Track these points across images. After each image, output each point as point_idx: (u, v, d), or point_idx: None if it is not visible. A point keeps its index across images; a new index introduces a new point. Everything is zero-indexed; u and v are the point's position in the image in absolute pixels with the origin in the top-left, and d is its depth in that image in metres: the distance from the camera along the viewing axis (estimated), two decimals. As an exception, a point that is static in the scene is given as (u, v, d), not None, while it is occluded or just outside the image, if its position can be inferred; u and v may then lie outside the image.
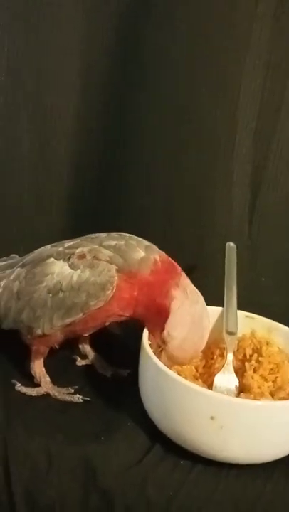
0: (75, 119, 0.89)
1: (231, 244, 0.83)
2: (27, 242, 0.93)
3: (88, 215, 0.94)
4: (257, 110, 0.83)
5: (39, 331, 0.72)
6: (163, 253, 0.72)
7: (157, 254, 0.71)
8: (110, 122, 0.89)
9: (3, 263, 0.79)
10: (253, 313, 0.79)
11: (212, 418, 0.62)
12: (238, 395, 0.70)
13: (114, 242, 0.72)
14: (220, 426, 0.62)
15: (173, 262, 0.72)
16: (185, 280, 0.71)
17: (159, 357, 0.69)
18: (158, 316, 0.69)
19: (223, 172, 0.85)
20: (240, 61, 0.81)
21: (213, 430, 0.62)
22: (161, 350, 0.70)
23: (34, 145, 0.90)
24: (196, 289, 0.71)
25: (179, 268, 0.72)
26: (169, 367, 0.68)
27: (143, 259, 0.70)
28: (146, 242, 0.73)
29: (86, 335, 0.78)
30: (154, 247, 0.73)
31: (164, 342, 0.69)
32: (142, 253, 0.71)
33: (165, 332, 0.68)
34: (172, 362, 0.69)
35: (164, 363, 0.69)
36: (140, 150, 0.88)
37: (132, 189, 0.91)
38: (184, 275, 0.71)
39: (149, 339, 0.70)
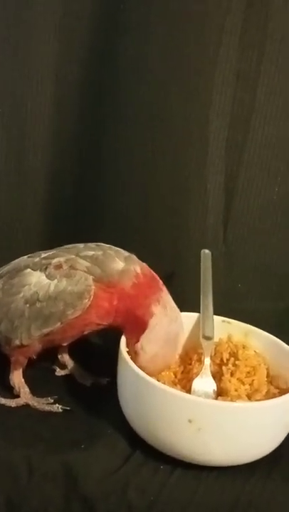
0: (51, 130, 0.90)
1: (206, 251, 0.84)
2: (4, 254, 0.93)
3: (66, 225, 0.94)
4: (228, 119, 0.85)
5: (17, 342, 0.72)
6: (144, 265, 0.73)
7: (138, 266, 0.72)
8: (85, 132, 0.90)
9: (-19, 275, 0.80)
10: (230, 319, 0.80)
11: (190, 421, 0.63)
12: (216, 399, 0.71)
13: (91, 253, 0.72)
14: (198, 428, 0.63)
15: (154, 275, 0.73)
16: (166, 296, 0.72)
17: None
18: (135, 327, 0.70)
19: (197, 180, 0.86)
20: (211, 72, 0.82)
21: (191, 433, 0.63)
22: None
23: (10, 158, 0.91)
24: (176, 308, 0.73)
25: (160, 282, 0.73)
26: None
27: (124, 270, 0.71)
28: (126, 253, 0.74)
29: (65, 344, 0.79)
30: (134, 257, 0.74)
31: (135, 353, 0.70)
32: (121, 264, 0.71)
33: (139, 345, 0.70)
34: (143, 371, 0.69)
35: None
36: (116, 159, 0.89)
37: (109, 198, 0.92)
38: (165, 290, 0.72)
39: (126, 346, 0.71)
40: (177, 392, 0.64)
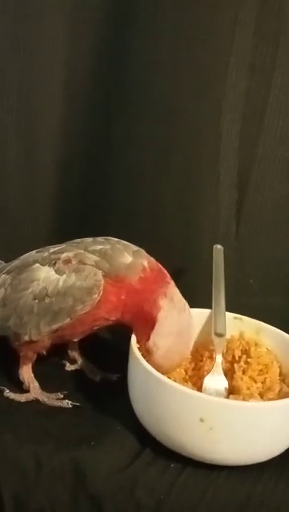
0: (60, 124, 0.89)
1: (218, 246, 0.83)
2: (14, 248, 0.93)
3: (75, 219, 0.94)
4: (241, 113, 0.83)
5: (26, 337, 0.71)
6: (152, 259, 0.72)
7: (146, 260, 0.71)
8: (96, 127, 0.89)
9: (-11, 270, 0.79)
10: (242, 314, 0.79)
11: (201, 420, 0.62)
12: (227, 397, 0.70)
13: (99, 247, 0.71)
14: (209, 428, 0.62)
15: (162, 268, 0.72)
16: (173, 289, 0.71)
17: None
18: (144, 324, 0.69)
19: (210, 174, 0.85)
20: (224, 65, 0.81)
21: (202, 432, 0.62)
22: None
23: (20, 152, 0.90)
24: (182, 298, 0.71)
25: (167, 275, 0.72)
26: None
27: (131, 264, 0.70)
28: (135, 247, 0.73)
29: (75, 340, 0.78)
30: (143, 252, 0.73)
31: (148, 351, 0.69)
32: (129, 258, 0.70)
33: (150, 342, 0.68)
34: (157, 371, 0.68)
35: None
36: (126, 154, 0.88)
37: (119, 192, 0.91)
38: (172, 283, 0.71)
39: (137, 342, 0.70)
40: (190, 391, 0.63)
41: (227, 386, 0.71)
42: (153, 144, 0.87)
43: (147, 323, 0.69)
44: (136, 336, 0.70)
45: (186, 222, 0.88)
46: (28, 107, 0.88)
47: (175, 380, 0.70)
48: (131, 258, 0.70)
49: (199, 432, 0.62)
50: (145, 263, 0.70)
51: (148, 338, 0.68)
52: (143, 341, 0.69)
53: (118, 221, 0.91)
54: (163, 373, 0.66)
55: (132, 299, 0.69)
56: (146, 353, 0.69)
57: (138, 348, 0.69)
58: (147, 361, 0.67)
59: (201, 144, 0.85)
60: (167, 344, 0.68)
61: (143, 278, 0.69)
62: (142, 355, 0.68)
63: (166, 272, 0.72)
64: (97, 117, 0.89)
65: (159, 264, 0.72)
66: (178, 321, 0.69)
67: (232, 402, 0.65)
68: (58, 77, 0.87)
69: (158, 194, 0.89)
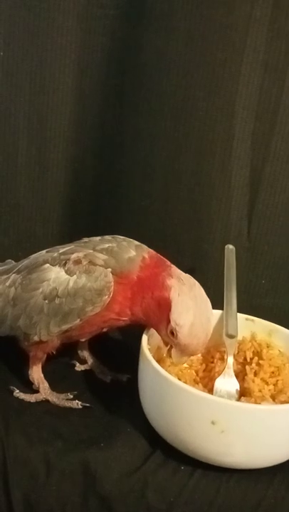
0: (72, 120, 0.89)
1: (230, 246, 0.83)
2: (24, 246, 0.93)
3: (86, 218, 0.93)
4: (254, 112, 0.83)
5: (36, 338, 0.71)
6: (151, 250, 0.72)
7: (146, 252, 0.71)
8: (107, 124, 0.88)
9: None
10: (253, 315, 0.78)
11: (213, 423, 0.61)
12: (239, 399, 0.69)
13: (107, 245, 0.71)
14: (221, 430, 0.61)
15: (161, 256, 0.72)
16: (176, 270, 0.70)
17: (165, 362, 0.70)
18: (159, 309, 0.68)
19: (222, 174, 0.84)
20: (237, 63, 0.80)
21: (214, 435, 0.62)
22: (170, 348, 0.69)
23: (31, 149, 0.90)
24: (189, 275, 0.70)
25: (167, 261, 0.72)
26: (182, 363, 0.69)
27: (132, 258, 0.70)
28: (137, 242, 0.73)
29: (83, 340, 0.77)
30: (144, 246, 0.73)
31: (172, 334, 0.67)
32: (132, 253, 0.71)
33: (172, 323, 0.67)
34: (186, 353, 0.67)
35: (177, 360, 0.69)
36: (137, 152, 0.88)
37: (130, 191, 0.90)
38: (173, 266, 0.71)
39: (148, 343, 0.69)
40: (201, 393, 0.63)
41: (238, 388, 0.70)
42: (164, 141, 0.86)
43: (161, 307, 0.68)
44: (153, 326, 0.69)
45: (198, 222, 0.87)
46: (39, 104, 0.87)
47: (186, 382, 0.69)
48: (134, 253, 0.71)
49: (210, 434, 0.62)
50: (145, 254, 0.71)
51: (168, 323, 0.67)
52: (163, 327, 0.68)
53: (129, 219, 0.91)
54: (190, 355, 0.67)
55: (139, 290, 0.69)
56: (170, 338, 0.68)
57: (149, 348, 0.68)
58: (172, 350, 0.67)
59: (213, 142, 0.84)
60: (189, 319, 0.67)
61: (143, 266, 0.69)
62: (165, 343, 0.68)
63: (165, 258, 0.72)
64: (109, 114, 0.88)
65: (158, 254, 0.72)
66: (192, 296, 0.68)
67: (244, 405, 0.64)
68: (69, 74, 0.86)
69: (169, 193, 0.88)
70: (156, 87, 0.84)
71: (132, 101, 0.86)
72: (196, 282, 0.70)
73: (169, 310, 0.67)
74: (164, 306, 0.67)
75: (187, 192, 0.87)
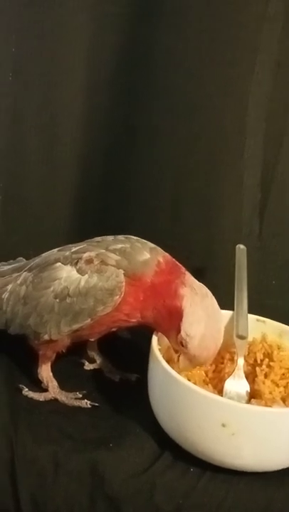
0: (82, 118, 0.88)
1: (241, 246, 0.82)
2: (33, 243, 0.92)
3: (95, 216, 0.93)
4: (267, 110, 0.82)
5: (46, 337, 0.71)
6: (167, 254, 0.71)
7: (161, 256, 0.70)
8: (118, 122, 0.88)
9: (10, 266, 0.78)
10: (263, 316, 0.77)
11: (223, 425, 0.60)
12: (249, 401, 0.69)
13: (120, 246, 0.71)
14: (231, 433, 0.61)
15: (176, 261, 0.71)
16: (190, 278, 0.70)
17: (174, 362, 0.69)
18: (170, 318, 0.67)
19: (233, 173, 0.84)
20: (250, 61, 0.79)
21: (224, 437, 0.61)
22: (179, 355, 0.69)
23: (40, 146, 0.89)
24: (202, 284, 0.70)
25: (182, 267, 0.71)
26: (189, 371, 0.68)
27: (147, 260, 0.69)
28: (151, 245, 0.72)
29: (92, 340, 0.77)
30: (159, 249, 0.72)
31: (182, 344, 0.67)
32: (147, 255, 0.70)
33: (182, 333, 0.66)
34: (194, 364, 0.67)
35: (185, 368, 0.68)
36: (148, 150, 0.87)
37: (140, 190, 0.90)
38: (187, 273, 0.70)
39: (158, 343, 0.69)
40: (212, 395, 0.62)
41: (248, 390, 0.70)
42: (175, 140, 0.85)
43: (172, 317, 0.67)
44: (163, 332, 0.69)
45: (208, 221, 0.87)
46: (49, 101, 0.87)
47: (195, 383, 0.69)
48: (148, 255, 0.70)
49: (221, 437, 0.61)
50: (160, 258, 0.70)
51: (178, 332, 0.67)
52: (172, 337, 0.68)
53: (139, 218, 0.90)
54: (199, 365, 0.66)
55: (151, 295, 0.68)
56: (179, 348, 0.67)
57: (159, 349, 0.68)
58: (180, 358, 0.66)
59: (225, 141, 0.83)
60: (200, 331, 0.66)
61: (158, 272, 0.69)
62: (174, 350, 0.67)
63: (180, 264, 0.71)
64: (119, 112, 0.87)
65: (173, 259, 0.71)
66: (204, 307, 0.67)
67: (255, 408, 0.63)
68: (79, 71, 0.86)
69: (179, 191, 0.88)
70: (167, 86, 0.83)
71: (143, 99, 0.86)
72: (209, 292, 0.69)
73: (180, 320, 0.67)
74: (176, 315, 0.67)
75: (198, 191, 0.86)
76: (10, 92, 0.87)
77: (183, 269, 0.71)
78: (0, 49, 0.85)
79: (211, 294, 0.69)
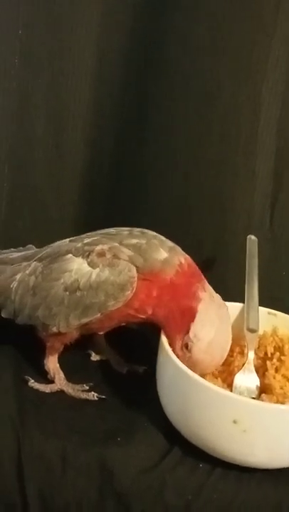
0: (91, 103, 0.86)
1: (253, 237, 0.80)
2: (40, 230, 0.91)
3: (102, 204, 0.91)
4: (281, 99, 0.80)
5: (55, 329, 0.69)
6: (188, 256, 0.70)
7: (182, 257, 0.69)
8: (128, 109, 0.86)
9: (20, 253, 0.76)
10: (273, 308, 0.76)
11: (235, 422, 0.59)
12: (259, 396, 0.68)
13: (134, 241, 0.69)
14: (243, 430, 0.60)
15: (196, 266, 0.70)
16: (209, 286, 0.69)
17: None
18: (181, 318, 0.66)
19: (246, 162, 0.82)
20: (266, 46, 0.77)
21: (235, 434, 0.60)
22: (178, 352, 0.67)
23: (49, 131, 0.87)
24: (219, 296, 0.69)
25: (201, 274, 0.70)
26: None
27: (167, 260, 0.68)
28: (171, 243, 0.70)
29: (101, 333, 0.76)
30: (179, 248, 0.70)
31: (187, 346, 0.66)
32: (164, 254, 0.68)
33: (191, 333, 0.65)
34: (195, 369, 0.65)
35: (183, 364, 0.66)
36: (159, 138, 0.85)
37: (149, 178, 0.88)
38: (206, 281, 0.69)
39: (170, 339, 0.67)
40: (224, 391, 0.61)
41: (259, 384, 0.69)
42: (187, 127, 0.83)
43: (184, 317, 0.66)
44: (169, 333, 0.67)
45: (219, 211, 0.85)
46: (58, 86, 0.85)
47: (204, 376, 0.67)
48: (166, 254, 0.68)
49: (232, 434, 0.60)
50: (182, 259, 0.68)
51: (186, 332, 0.65)
52: (178, 338, 0.66)
53: (147, 206, 0.88)
54: (199, 373, 0.63)
55: (168, 294, 0.67)
56: (182, 352, 0.66)
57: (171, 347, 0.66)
58: (183, 360, 0.64)
59: (238, 129, 0.81)
60: (209, 336, 0.65)
61: (180, 272, 0.67)
62: (177, 355, 0.65)
63: (199, 270, 0.70)
64: (130, 98, 0.85)
65: (193, 262, 0.70)
66: (219, 315, 0.67)
67: (268, 405, 0.62)
68: (89, 56, 0.84)
69: (190, 180, 0.86)
70: (180, 71, 0.81)
71: (154, 85, 0.83)
72: (225, 305, 0.69)
73: (192, 320, 0.65)
74: (188, 316, 0.66)
75: (209, 180, 0.84)
76: (16, 76, 0.85)
77: (202, 275, 0.69)
78: (7, 31, 0.82)
79: (227, 307, 0.69)
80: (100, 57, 0.84)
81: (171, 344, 0.66)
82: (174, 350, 0.66)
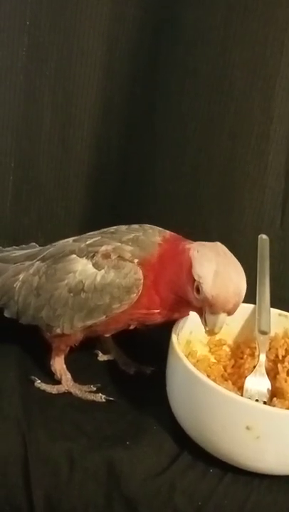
0: (99, 97, 0.84)
1: (264, 236, 0.79)
2: (45, 226, 0.89)
3: (110, 200, 0.90)
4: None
5: (58, 330, 0.68)
6: (172, 233, 0.69)
7: (167, 233, 0.68)
8: (137, 103, 0.84)
9: (23, 252, 0.75)
10: (284, 309, 0.74)
11: (248, 428, 0.58)
12: (270, 399, 0.66)
13: (132, 235, 0.68)
14: (256, 436, 0.58)
15: (181, 236, 0.68)
16: (198, 242, 0.66)
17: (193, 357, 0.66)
18: (182, 272, 0.63)
19: (257, 159, 0.80)
20: (280, 41, 0.76)
21: (248, 440, 0.58)
22: (205, 317, 0.63)
23: (55, 125, 0.86)
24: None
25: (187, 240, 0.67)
26: (217, 331, 0.62)
27: (152, 241, 0.67)
28: (160, 228, 0.69)
29: (107, 335, 0.74)
30: (167, 231, 0.69)
31: (198, 291, 0.61)
32: (156, 238, 0.67)
33: (195, 277, 0.61)
34: (216, 310, 0.60)
35: (212, 326, 0.62)
36: (168, 133, 0.84)
37: (157, 174, 0.86)
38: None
39: (178, 339, 0.66)
40: (237, 397, 0.60)
41: (270, 388, 0.67)
42: (198, 122, 0.82)
43: (183, 269, 0.63)
44: (185, 298, 0.64)
45: (229, 209, 0.84)
46: (65, 78, 0.83)
47: (214, 379, 0.67)
48: (158, 237, 0.67)
49: (245, 440, 0.59)
50: (166, 235, 0.68)
51: (193, 282, 0.62)
52: (191, 292, 0.62)
53: (155, 203, 0.87)
54: (222, 311, 0.60)
55: (161, 266, 0.65)
56: (198, 300, 0.62)
57: (179, 343, 0.65)
58: (202, 306, 0.61)
59: (250, 124, 0.80)
60: (211, 268, 0.61)
61: (162, 244, 0.66)
62: (198, 312, 0.63)
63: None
64: (139, 92, 0.84)
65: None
66: (213, 250, 0.63)
67: (282, 411, 0.61)
68: (98, 47, 0.82)
69: (199, 177, 0.84)
70: (192, 65, 0.80)
71: (165, 78, 0.82)
72: (221, 244, 0.65)
73: (191, 268, 0.62)
74: (186, 267, 0.62)
75: (219, 176, 0.83)
76: (23, 68, 0.83)
77: (188, 240, 0.67)
78: (14, 22, 0.80)
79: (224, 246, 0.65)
80: (108, 49, 0.82)
81: (191, 304, 0.64)
82: (194, 308, 0.64)
